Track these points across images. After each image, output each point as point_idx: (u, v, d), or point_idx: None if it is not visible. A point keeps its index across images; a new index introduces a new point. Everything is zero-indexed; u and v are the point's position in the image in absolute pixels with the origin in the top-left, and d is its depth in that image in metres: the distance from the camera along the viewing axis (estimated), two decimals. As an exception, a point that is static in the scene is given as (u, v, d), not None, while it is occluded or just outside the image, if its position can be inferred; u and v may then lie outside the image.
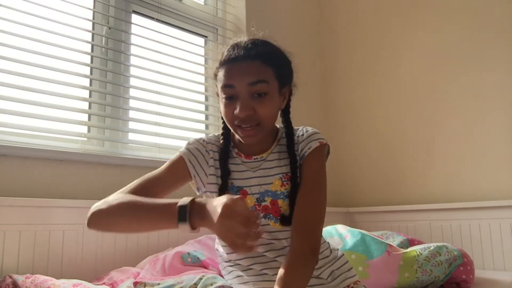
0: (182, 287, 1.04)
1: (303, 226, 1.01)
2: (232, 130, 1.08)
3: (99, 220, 0.96)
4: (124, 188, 1.02)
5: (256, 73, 1.01)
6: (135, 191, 1.00)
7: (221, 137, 1.14)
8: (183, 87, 2.09)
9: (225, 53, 1.05)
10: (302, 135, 1.13)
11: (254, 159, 1.12)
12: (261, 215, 1.07)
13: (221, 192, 1.08)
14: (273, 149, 1.13)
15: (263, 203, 1.08)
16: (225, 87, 1.02)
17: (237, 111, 1.00)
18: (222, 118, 1.11)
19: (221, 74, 1.04)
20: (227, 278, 1.13)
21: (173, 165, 1.10)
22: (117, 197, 0.98)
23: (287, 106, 1.14)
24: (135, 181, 1.04)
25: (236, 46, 1.05)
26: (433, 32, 2.38)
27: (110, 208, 0.95)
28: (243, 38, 1.08)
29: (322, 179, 1.08)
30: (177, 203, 0.88)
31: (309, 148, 1.09)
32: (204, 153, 1.12)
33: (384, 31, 2.59)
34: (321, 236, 1.06)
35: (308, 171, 1.08)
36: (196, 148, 1.12)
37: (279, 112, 1.13)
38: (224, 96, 1.03)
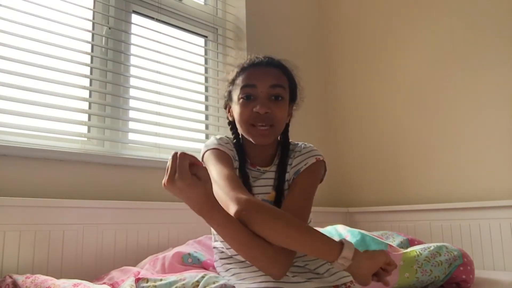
0: (184, 284, 1.04)
1: None
2: (244, 132, 1.13)
3: (258, 215, 0.93)
4: (230, 187, 0.98)
5: (277, 77, 1.11)
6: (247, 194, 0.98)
7: (234, 140, 1.19)
8: (183, 87, 2.09)
9: (246, 61, 1.14)
10: (299, 150, 1.18)
11: (257, 169, 1.17)
12: None
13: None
14: (274, 162, 1.19)
15: None
16: (246, 86, 1.09)
17: (257, 108, 1.06)
18: (229, 124, 1.19)
19: (241, 77, 1.12)
20: (224, 275, 1.14)
21: (225, 159, 1.10)
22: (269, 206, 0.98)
23: (287, 125, 1.21)
24: (230, 183, 0.99)
25: (256, 57, 1.15)
26: (433, 34, 2.38)
27: (273, 213, 0.95)
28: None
29: (311, 197, 1.11)
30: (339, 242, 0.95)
31: (305, 164, 1.14)
32: (229, 151, 1.15)
33: (384, 31, 2.59)
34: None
35: (300, 187, 1.11)
36: (225, 144, 1.15)
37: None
38: (243, 96, 1.09)
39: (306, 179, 1.12)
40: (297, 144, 1.21)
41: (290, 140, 1.23)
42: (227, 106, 1.22)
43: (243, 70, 1.13)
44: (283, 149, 1.18)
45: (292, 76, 1.18)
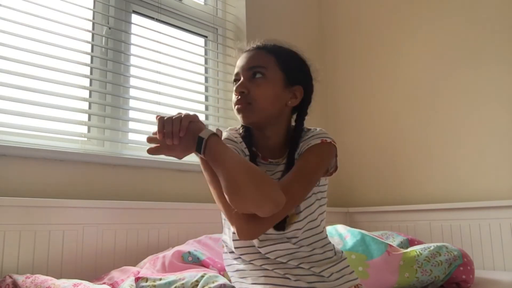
0: (184, 283, 1.04)
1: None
2: (236, 115, 1.12)
3: None
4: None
5: (257, 59, 1.11)
6: None
7: (242, 132, 1.16)
8: (183, 87, 2.09)
9: (239, 51, 1.18)
10: (307, 135, 1.13)
11: (269, 162, 1.13)
12: None
13: None
14: (286, 153, 1.13)
15: None
16: (234, 76, 1.14)
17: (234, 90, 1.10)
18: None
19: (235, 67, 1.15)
20: (228, 270, 1.13)
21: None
22: None
23: (303, 109, 1.17)
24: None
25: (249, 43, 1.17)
26: (432, 33, 2.38)
27: None
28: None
29: (310, 176, 1.04)
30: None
31: (308, 145, 1.08)
32: (239, 143, 1.13)
33: (384, 31, 2.59)
34: (273, 224, 1.01)
35: (298, 164, 1.06)
36: (233, 135, 1.15)
37: (290, 111, 1.16)
38: (233, 83, 1.14)
39: (305, 157, 1.07)
40: (309, 129, 1.16)
41: (304, 127, 1.17)
42: None
43: (237, 60, 1.17)
44: (293, 136, 1.13)
45: (286, 54, 1.15)
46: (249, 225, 0.96)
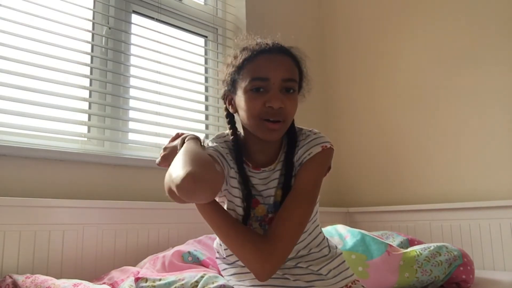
0: (183, 284, 1.04)
1: (278, 233, 0.96)
2: (251, 126, 1.03)
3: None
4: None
5: (290, 69, 1.03)
6: None
7: (232, 143, 1.10)
8: (183, 87, 2.09)
9: (254, 47, 1.04)
10: (304, 139, 1.08)
11: (263, 170, 1.08)
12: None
13: (246, 200, 1.04)
14: (279, 158, 1.09)
15: (270, 215, 1.06)
16: (258, 79, 0.99)
17: (270, 103, 0.98)
18: (227, 116, 1.10)
19: (250, 66, 1.01)
20: (224, 274, 1.13)
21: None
22: None
23: None
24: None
25: (265, 42, 1.05)
26: (432, 33, 2.38)
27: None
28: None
29: (315, 191, 1.04)
30: None
31: (309, 154, 1.05)
32: (225, 155, 1.07)
33: (384, 32, 2.59)
34: (290, 252, 0.98)
35: (303, 180, 1.03)
36: (219, 150, 1.07)
37: None
38: (252, 88, 1.00)
39: (308, 171, 1.03)
40: (301, 130, 1.11)
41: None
42: (227, 97, 1.10)
43: (251, 57, 1.02)
44: (290, 142, 1.08)
45: (302, 67, 1.09)
46: (265, 266, 0.93)
